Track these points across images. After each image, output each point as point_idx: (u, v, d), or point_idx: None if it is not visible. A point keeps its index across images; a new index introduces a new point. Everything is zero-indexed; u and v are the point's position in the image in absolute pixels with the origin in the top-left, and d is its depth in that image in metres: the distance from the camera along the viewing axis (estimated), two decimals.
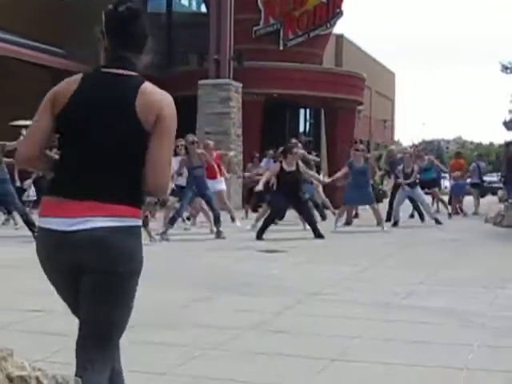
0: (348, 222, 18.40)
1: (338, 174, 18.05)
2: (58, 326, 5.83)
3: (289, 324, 6.55)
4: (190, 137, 15.10)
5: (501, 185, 25.41)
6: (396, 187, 19.33)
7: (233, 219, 16.53)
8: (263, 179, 15.38)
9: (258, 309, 7.19)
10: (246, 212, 20.97)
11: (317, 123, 33.54)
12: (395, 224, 18.25)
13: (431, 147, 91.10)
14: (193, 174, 14.54)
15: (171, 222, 14.36)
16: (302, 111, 33.35)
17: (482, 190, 25.32)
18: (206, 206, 15.44)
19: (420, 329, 6.40)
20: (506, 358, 5.41)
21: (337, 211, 18.30)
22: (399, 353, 5.52)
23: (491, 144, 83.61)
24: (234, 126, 25.78)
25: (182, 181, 14.99)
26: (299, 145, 17.61)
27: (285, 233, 15.95)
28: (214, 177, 16.36)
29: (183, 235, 15.09)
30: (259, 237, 14.38)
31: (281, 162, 15.12)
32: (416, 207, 19.76)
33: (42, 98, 3.14)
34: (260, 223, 15.29)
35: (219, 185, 16.88)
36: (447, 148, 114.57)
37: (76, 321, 3.16)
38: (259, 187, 15.21)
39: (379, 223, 17.00)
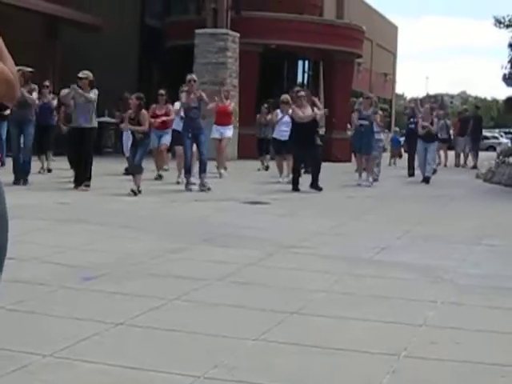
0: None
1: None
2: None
3: (256, 276, 6.55)
4: (189, 75, 14.76)
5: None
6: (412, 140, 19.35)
7: (220, 174, 16.81)
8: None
9: (230, 260, 7.19)
10: (262, 162, 20.93)
11: (315, 75, 33.33)
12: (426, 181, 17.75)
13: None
14: (189, 115, 14.04)
15: (186, 172, 14.14)
16: (300, 63, 33.13)
17: (450, 144, 26.84)
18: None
19: (386, 284, 6.40)
20: (466, 316, 5.43)
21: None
22: (358, 308, 5.51)
23: (494, 99, 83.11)
24: (231, 77, 25.65)
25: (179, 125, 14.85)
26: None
27: (271, 185, 15.93)
28: (225, 123, 16.47)
29: (169, 186, 15.00)
30: (295, 188, 14.65)
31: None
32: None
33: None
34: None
35: (228, 131, 16.99)
36: (451, 103, 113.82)
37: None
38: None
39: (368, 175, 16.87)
